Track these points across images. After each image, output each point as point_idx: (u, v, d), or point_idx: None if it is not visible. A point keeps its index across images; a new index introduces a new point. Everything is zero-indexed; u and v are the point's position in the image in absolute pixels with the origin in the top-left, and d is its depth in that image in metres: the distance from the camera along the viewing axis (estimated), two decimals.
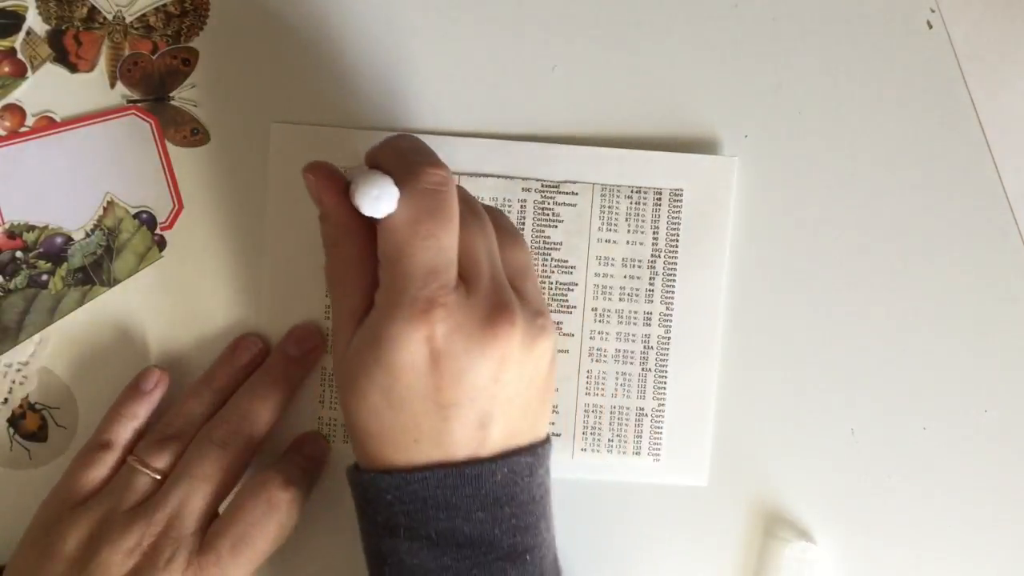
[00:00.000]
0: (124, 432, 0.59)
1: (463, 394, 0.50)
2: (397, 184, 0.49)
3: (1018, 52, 0.64)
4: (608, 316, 0.63)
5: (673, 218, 0.62)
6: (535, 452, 0.53)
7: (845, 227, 0.63)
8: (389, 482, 0.51)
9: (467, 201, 0.52)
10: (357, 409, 0.51)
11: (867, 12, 0.63)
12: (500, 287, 0.51)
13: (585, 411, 0.63)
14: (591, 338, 0.63)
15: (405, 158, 0.51)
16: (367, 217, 0.50)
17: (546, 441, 0.54)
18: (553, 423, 0.63)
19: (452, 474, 0.50)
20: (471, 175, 0.62)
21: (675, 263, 0.63)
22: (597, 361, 0.63)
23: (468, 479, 0.50)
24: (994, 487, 0.63)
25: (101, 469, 0.58)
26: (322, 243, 0.54)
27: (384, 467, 0.51)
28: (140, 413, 0.60)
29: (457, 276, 0.50)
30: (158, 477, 0.57)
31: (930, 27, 0.64)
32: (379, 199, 0.49)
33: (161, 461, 0.57)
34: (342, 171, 0.53)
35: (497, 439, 0.51)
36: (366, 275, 0.52)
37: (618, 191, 0.62)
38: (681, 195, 0.62)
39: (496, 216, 0.55)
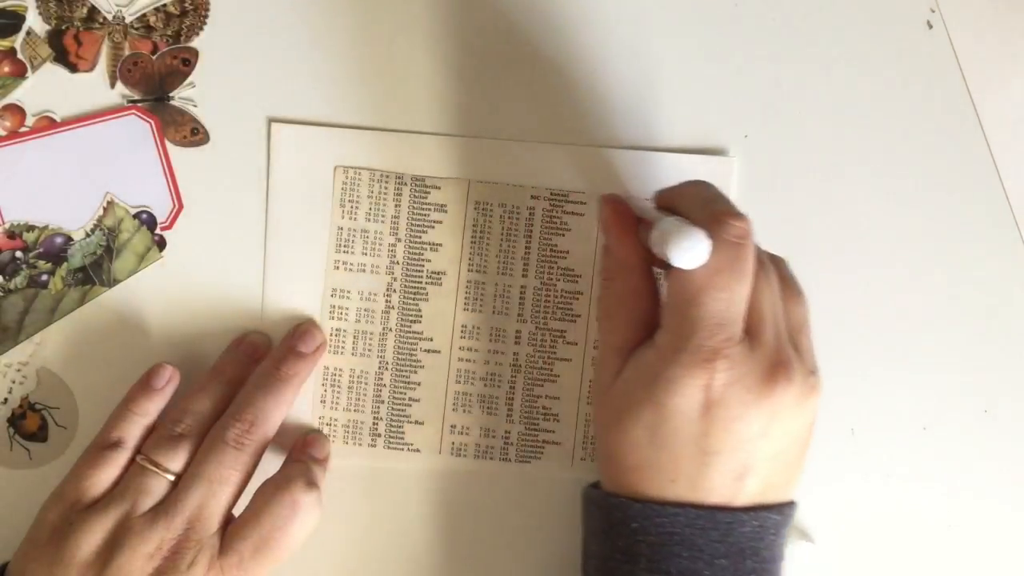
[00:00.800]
0: (135, 430, 0.58)
1: (729, 444, 0.50)
2: None
3: (1018, 52, 0.64)
4: None
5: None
6: (783, 511, 0.53)
7: (845, 227, 0.63)
8: (638, 511, 0.51)
9: (757, 253, 0.52)
10: (618, 441, 0.52)
11: (867, 12, 0.63)
12: (781, 343, 0.51)
13: (587, 420, 0.63)
14: (595, 347, 0.62)
15: (709, 207, 0.51)
16: (653, 257, 0.53)
17: (793, 503, 0.54)
18: (553, 431, 0.63)
19: (703, 516, 0.50)
20: (480, 181, 0.62)
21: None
22: None
23: (718, 524, 0.51)
24: (994, 487, 0.63)
25: (112, 469, 0.57)
26: (601, 274, 0.56)
27: (633, 495, 0.52)
28: (151, 410, 0.59)
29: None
30: (171, 478, 0.56)
31: (930, 27, 0.64)
32: (691, 251, 0.49)
33: (175, 462, 0.57)
34: (632, 203, 0.56)
35: (752, 492, 0.51)
36: (639, 311, 0.53)
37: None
38: None
39: (780, 266, 0.55)
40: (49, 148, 0.62)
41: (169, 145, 0.62)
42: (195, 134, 0.62)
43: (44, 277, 0.62)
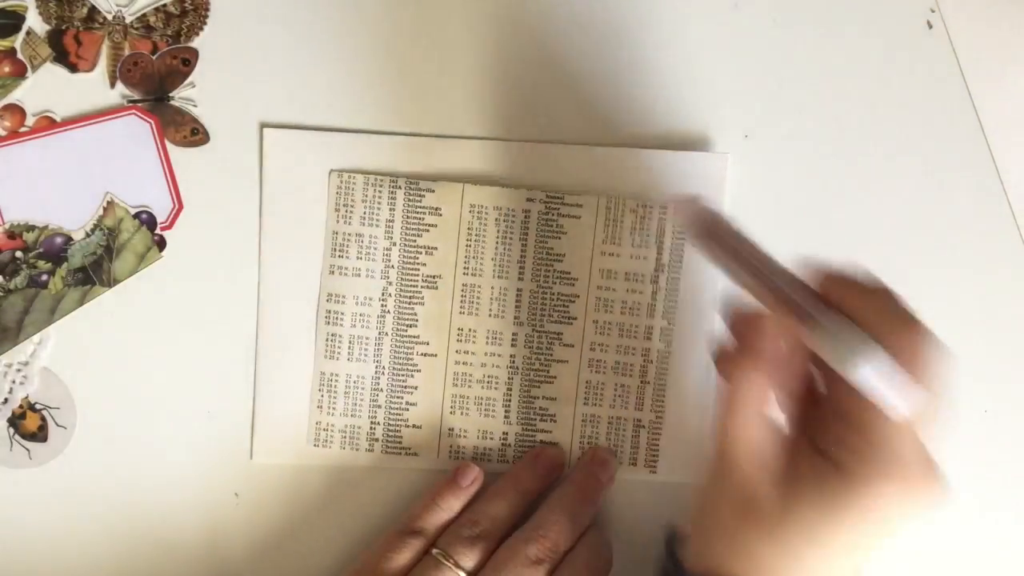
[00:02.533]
0: (436, 522, 0.60)
1: None
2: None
3: (1018, 52, 0.64)
4: (609, 329, 0.63)
5: (678, 233, 0.62)
6: None
7: (845, 227, 0.63)
8: None
9: None
10: (789, 553, 0.50)
11: (867, 12, 0.63)
12: None
13: (583, 421, 0.63)
14: (591, 350, 0.63)
15: (916, 347, 0.48)
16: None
17: None
18: (550, 431, 0.63)
19: None
20: (475, 182, 0.62)
21: (678, 278, 0.63)
22: (596, 372, 0.63)
23: None
24: (994, 487, 0.63)
25: (409, 554, 0.59)
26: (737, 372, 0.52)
27: None
28: (455, 507, 0.61)
29: None
30: (463, 575, 0.58)
31: (930, 27, 0.63)
32: (910, 400, 0.46)
33: (469, 560, 0.58)
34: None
35: None
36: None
37: (623, 204, 0.62)
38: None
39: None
40: (49, 148, 0.62)
41: (169, 145, 0.62)
42: (195, 134, 0.62)
43: (44, 277, 0.62)
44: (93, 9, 0.62)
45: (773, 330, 0.51)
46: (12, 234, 0.62)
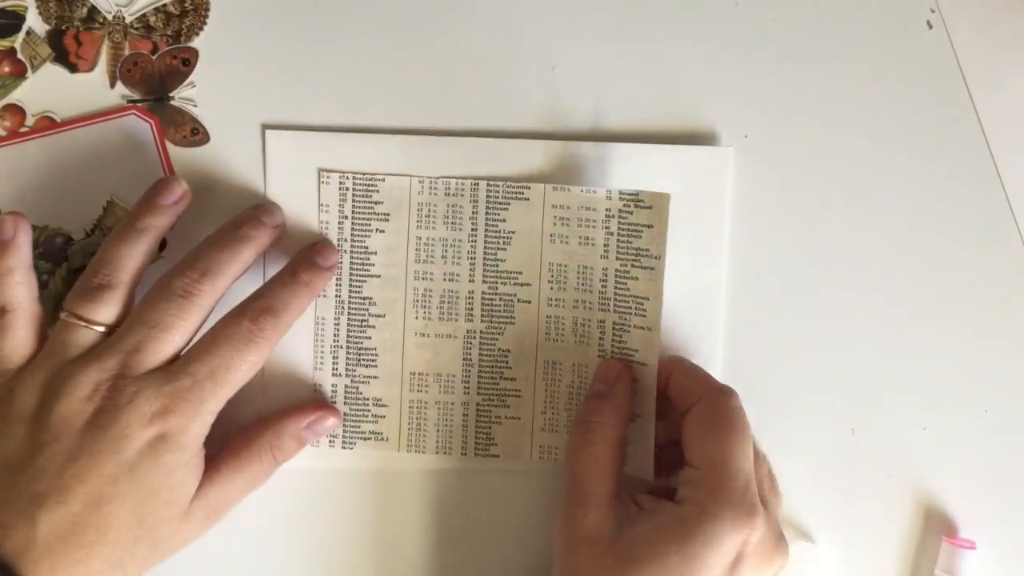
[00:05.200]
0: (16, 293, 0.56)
1: None
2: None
3: (1018, 52, 0.64)
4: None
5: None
6: None
7: (845, 227, 0.63)
8: None
9: None
10: None
11: (867, 12, 0.63)
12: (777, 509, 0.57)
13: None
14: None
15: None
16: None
17: None
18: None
19: None
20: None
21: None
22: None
23: None
24: (993, 487, 0.63)
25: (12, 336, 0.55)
26: (584, 423, 0.57)
27: None
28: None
29: None
30: (101, 330, 0.54)
31: (930, 27, 0.64)
32: None
33: (99, 313, 0.54)
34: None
35: None
36: (622, 460, 0.56)
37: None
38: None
39: None
40: (49, 148, 0.62)
41: (169, 145, 0.62)
42: (195, 134, 0.62)
43: (44, 277, 0.62)
44: (93, 9, 0.62)
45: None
46: None
